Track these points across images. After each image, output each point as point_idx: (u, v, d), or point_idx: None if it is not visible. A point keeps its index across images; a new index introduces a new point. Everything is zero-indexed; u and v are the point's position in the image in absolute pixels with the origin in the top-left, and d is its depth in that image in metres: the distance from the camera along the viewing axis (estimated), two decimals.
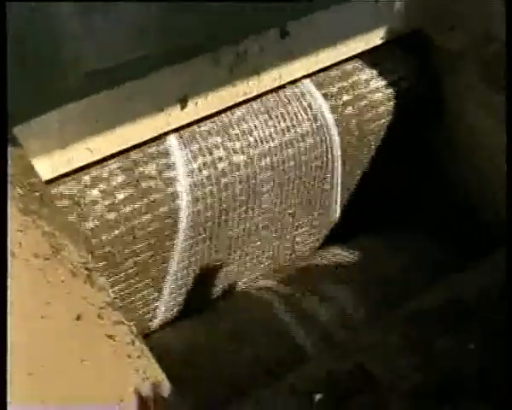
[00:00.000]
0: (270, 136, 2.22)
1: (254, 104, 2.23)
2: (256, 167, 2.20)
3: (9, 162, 1.65)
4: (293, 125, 2.25)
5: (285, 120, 2.24)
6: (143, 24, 1.83)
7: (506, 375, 1.38)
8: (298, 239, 2.55)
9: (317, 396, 1.45)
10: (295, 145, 2.25)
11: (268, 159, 2.22)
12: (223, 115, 2.18)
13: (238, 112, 2.20)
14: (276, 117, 2.23)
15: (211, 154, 2.13)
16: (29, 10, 1.63)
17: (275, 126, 2.23)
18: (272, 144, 2.22)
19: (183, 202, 2.08)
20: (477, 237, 2.45)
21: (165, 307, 2.33)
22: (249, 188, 2.22)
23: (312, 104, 2.28)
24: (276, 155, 2.23)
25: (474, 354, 1.44)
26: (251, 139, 2.19)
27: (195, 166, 2.10)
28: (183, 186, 2.08)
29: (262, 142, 2.20)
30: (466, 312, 1.55)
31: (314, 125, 2.27)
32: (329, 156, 2.33)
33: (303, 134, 2.26)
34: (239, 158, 2.16)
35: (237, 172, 2.17)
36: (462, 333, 1.50)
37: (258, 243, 2.42)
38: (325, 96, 2.30)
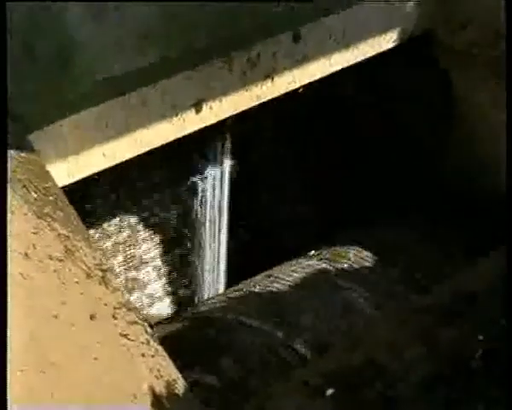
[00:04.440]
0: None
1: None
2: None
3: (22, 167, 1.66)
4: None
5: None
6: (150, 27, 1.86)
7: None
8: None
9: (329, 391, 1.45)
10: None
11: None
12: None
13: None
14: None
15: None
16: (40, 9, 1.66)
17: None
18: None
19: None
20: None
21: None
22: None
23: None
24: None
25: (478, 344, 1.45)
26: None
27: None
28: None
29: None
30: (469, 305, 1.57)
31: None
32: None
33: None
34: None
35: None
36: (466, 324, 1.51)
37: None
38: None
